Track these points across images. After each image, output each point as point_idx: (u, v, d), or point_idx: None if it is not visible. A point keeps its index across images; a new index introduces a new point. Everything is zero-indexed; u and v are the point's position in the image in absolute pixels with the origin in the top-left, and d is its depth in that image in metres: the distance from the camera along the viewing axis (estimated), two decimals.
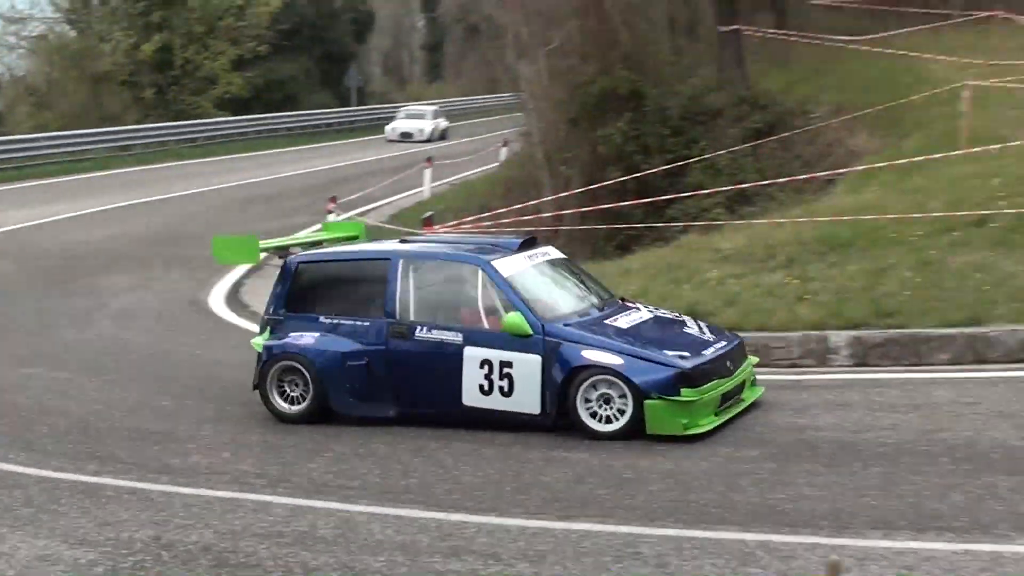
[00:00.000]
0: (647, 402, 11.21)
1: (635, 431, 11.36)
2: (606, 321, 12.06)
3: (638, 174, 22.82)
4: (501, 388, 11.64)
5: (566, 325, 11.73)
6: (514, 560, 8.73)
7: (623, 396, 11.30)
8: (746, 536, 8.97)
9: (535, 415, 11.62)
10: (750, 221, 18.78)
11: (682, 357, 11.51)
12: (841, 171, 21.93)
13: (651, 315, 12.59)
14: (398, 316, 12.10)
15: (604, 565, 8.56)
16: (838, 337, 13.78)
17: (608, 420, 11.39)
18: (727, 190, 21.29)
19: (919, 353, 13.52)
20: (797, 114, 26.26)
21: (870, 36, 28.20)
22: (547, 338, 11.55)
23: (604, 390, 11.37)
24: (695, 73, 28.40)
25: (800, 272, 15.57)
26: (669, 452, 11.11)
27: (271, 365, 12.49)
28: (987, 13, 28.87)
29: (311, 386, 12.34)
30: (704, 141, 25.47)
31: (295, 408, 12.45)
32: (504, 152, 38.90)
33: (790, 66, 29.94)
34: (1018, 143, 18.69)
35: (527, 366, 11.55)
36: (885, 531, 8.96)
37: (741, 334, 13.22)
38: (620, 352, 11.44)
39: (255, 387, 12.71)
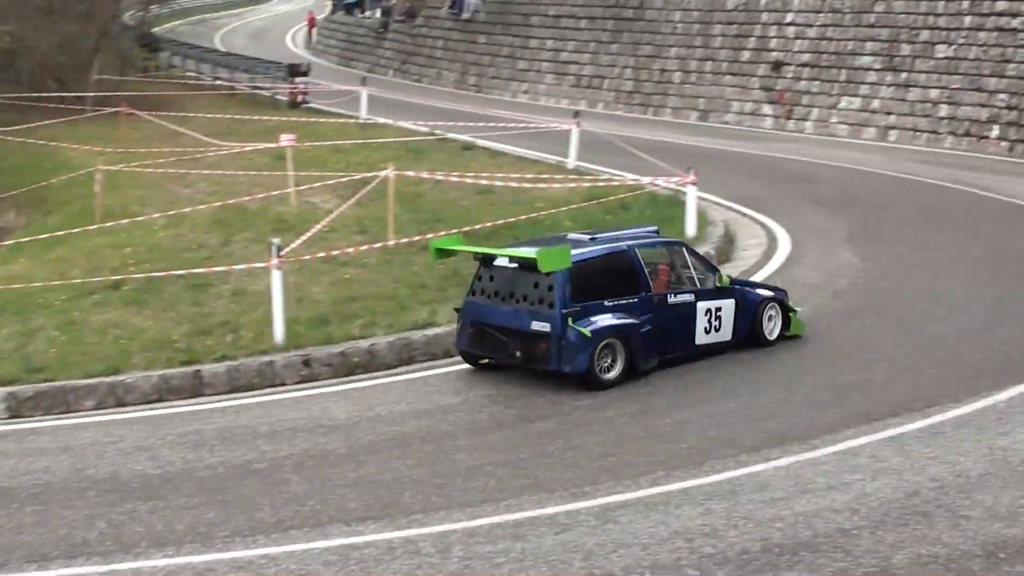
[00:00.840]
0: (792, 315, 14.15)
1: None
2: None
3: None
4: (715, 327, 13.55)
5: (729, 276, 14.21)
6: None
7: (777, 314, 14.00)
8: None
9: (728, 341, 13.70)
10: None
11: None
12: None
13: None
14: (653, 290, 13.14)
15: None
16: None
17: (771, 332, 13.93)
18: None
19: (68, 402, 12.94)
20: None
21: (15, 127, 27.30)
22: (734, 286, 13.80)
23: (770, 312, 13.95)
24: None
25: None
26: None
27: (597, 345, 12.53)
28: (115, 109, 28.89)
29: (622, 355, 12.70)
30: None
31: (610, 375, 12.69)
32: None
33: None
34: (144, 217, 18.75)
35: (729, 308, 13.66)
36: (40, 563, 8.53)
37: None
38: (768, 288, 14.41)
39: (586, 372, 12.50)
